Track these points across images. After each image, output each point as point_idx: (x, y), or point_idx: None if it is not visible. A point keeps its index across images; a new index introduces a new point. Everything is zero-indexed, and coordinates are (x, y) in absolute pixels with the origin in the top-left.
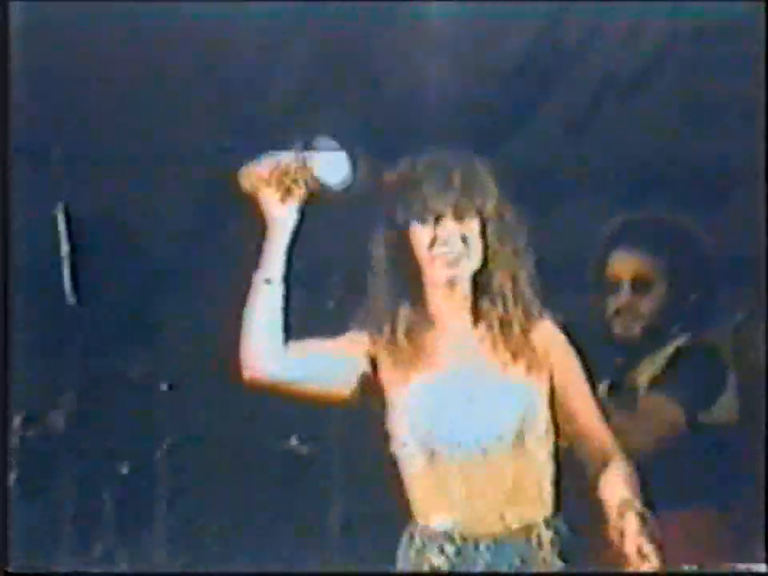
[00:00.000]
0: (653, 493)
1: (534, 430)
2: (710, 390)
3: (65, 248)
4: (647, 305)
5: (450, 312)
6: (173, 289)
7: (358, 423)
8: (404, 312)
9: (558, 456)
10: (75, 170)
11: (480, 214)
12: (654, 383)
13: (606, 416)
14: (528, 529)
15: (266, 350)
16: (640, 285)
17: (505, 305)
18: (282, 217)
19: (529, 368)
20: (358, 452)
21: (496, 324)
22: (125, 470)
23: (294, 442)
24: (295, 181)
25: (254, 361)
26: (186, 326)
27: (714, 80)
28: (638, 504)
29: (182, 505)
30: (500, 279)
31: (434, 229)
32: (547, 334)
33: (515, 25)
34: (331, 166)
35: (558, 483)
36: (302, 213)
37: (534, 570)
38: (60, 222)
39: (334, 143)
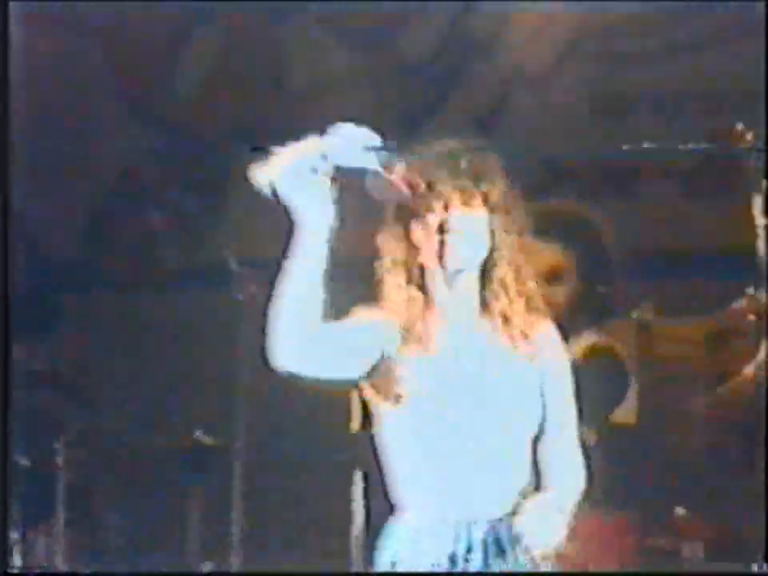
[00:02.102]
0: None
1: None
2: (615, 394)
3: None
4: (558, 296)
5: (455, 301)
6: None
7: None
8: (416, 297)
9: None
10: None
11: (487, 202)
12: None
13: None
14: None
15: (302, 340)
16: (552, 276)
17: (508, 297)
18: (315, 211)
19: (528, 359)
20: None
21: (498, 315)
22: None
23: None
24: (314, 169)
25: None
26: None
27: (623, 73)
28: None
29: (82, 503)
30: (502, 270)
31: (443, 214)
32: (545, 332)
33: (425, 17)
34: (351, 150)
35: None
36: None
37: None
38: None
39: (354, 128)
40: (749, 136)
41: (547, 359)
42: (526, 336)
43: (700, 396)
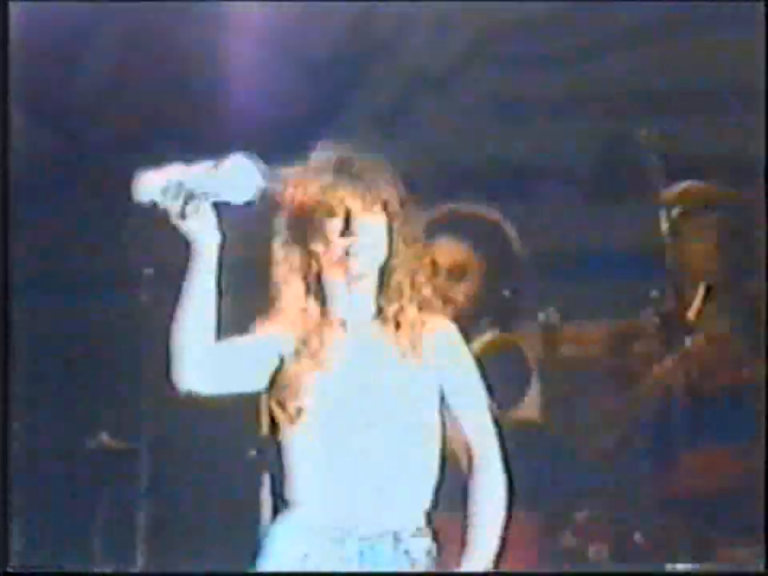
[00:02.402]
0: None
1: (425, 420)
2: (517, 387)
3: None
4: (461, 292)
5: (352, 310)
6: None
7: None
8: (313, 308)
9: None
10: None
11: (386, 208)
12: None
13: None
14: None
15: (199, 360)
16: (457, 273)
17: (402, 303)
18: (200, 232)
19: (424, 365)
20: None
21: (393, 322)
22: None
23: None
24: (191, 196)
25: (188, 372)
26: None
27: (529, 76)
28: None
29: None
30: (399, 276)
31: (343, 221)
32: (444, 335)
33: (326, 17)
34: (237, 182)
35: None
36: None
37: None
38: None
39: (243, 159)
40: (652, 139)
41: (447, 363)
42: (420, 341)
43: (605, 397)
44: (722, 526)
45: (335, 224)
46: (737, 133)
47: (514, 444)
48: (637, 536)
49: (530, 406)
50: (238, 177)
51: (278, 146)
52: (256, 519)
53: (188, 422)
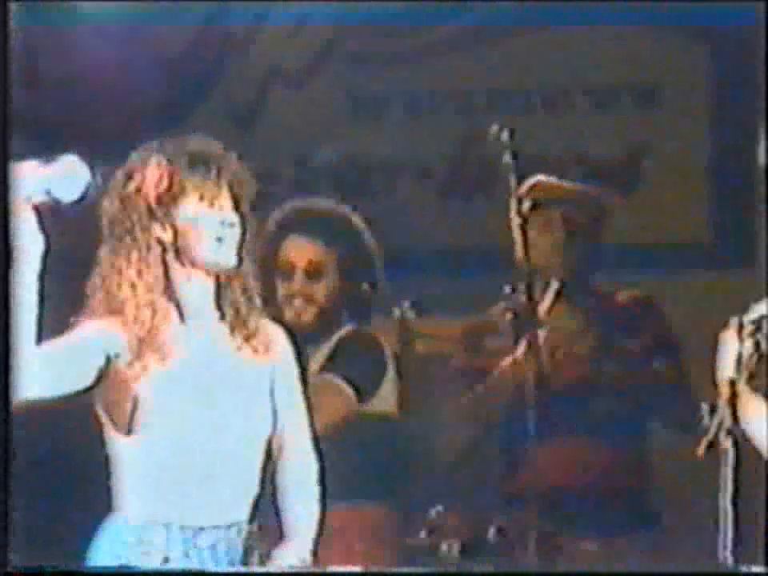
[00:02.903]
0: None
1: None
2: (372, 379)
3: None
4: (320, 292)
5: (197, 306)
6: None
7: None
8: (161, 302)
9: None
10: None
11: (239, 204)
12: (323, 370)
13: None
14: None
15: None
16: (313, 272)
17: (236, 297)
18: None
19: (260, 362)
20: None
21: (231, 315)
22: None
23: None
24: (28, 198)
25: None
26: None
27: (383, 73)
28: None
29: None
30: (244, 274)
31: (212, 211)
32: (271, 330)
33: (181, 13)
34: (65, 180)
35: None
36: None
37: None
38: None
39: (71, 158)
40: (503, 136)
41: (277, 362)
42: (256, 338)
43: (458, 393)
44: (570, 520)
45: (206, 216)
46: (585, 130)
47: (370, 437)
48: (490, 532)
49: (386, 400)
50: (68, 174)
51: (131, 142)
52: None
53: (46, 418)
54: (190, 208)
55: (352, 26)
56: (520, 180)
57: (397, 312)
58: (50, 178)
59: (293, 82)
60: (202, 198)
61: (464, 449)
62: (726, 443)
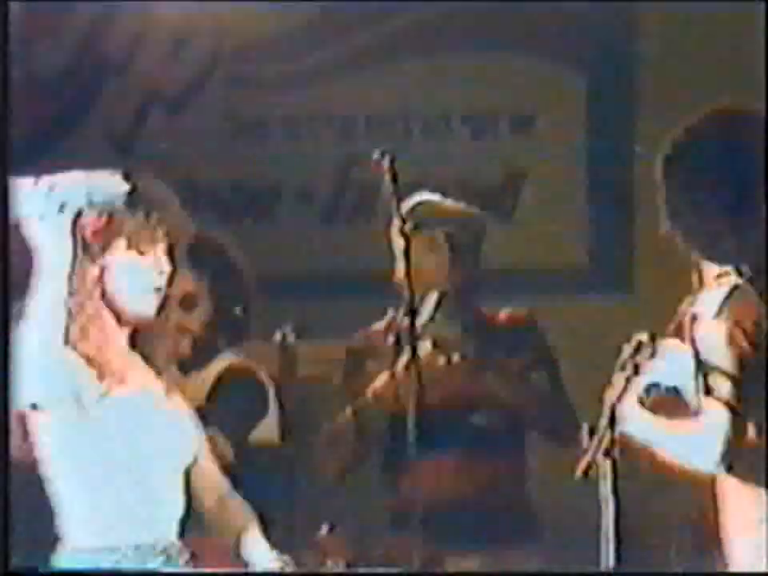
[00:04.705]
0: None
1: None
2: (253, 416)
3: None
4: (195, 322)
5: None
6: None
7: None
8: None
9: None
10: None
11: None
12: (203, 410)
13: None
14: None
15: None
16: (188, 302)
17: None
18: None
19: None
20: None
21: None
22: None
23: None
24: (63, 205)
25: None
26: None
27: (259, 97)
28: None
29: None
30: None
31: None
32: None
33: (56, 31)
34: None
35: None
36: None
37: None
38: None
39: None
40: (385, 162)
41: None
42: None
43: (338, 414)
44: (453, 536)
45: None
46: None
47: (254, 468)
48: (373, 550)
49: (268, 429)
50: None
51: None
52: None
53: None
54: (119, 252)
55: (234, 46)
56: (402, 200)
57: (278, 336)
58: (91, 187)
59: (172, 104)
60: (131, 244)
61: (346, 468)
62: (605, 464)
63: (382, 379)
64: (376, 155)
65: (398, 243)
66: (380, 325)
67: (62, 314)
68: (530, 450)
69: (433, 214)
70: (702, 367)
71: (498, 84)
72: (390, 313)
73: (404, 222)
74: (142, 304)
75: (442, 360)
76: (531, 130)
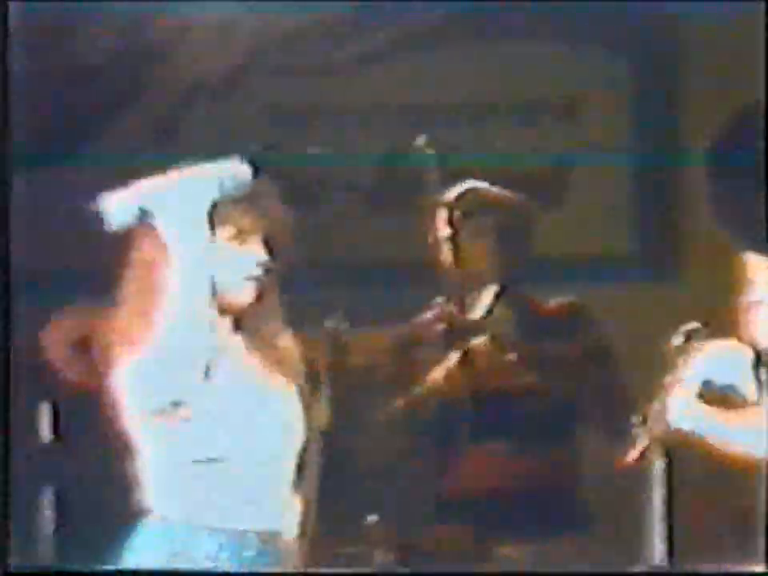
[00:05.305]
0: None
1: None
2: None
3: None
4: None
5: None
6: None
7: None
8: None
9: None
10: None
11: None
12: None
13: None
14: None
15: None
16: None
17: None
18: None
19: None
20: None
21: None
22: None
23: None
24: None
25: None
26: None
27: (307, 85)
28: None
29: None
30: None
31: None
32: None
33: (101, 21)
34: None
35: None
36: None
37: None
38: None
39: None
40: (429, 149)
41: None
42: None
43: (389, 403)
44: (500, 526)
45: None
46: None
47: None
48: (422, 539)
49: (319, 417)
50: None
51: (51, 155)
52: None
53: None
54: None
55: (276, 37)
56: (448, 188)
57: (329, 323)
58: (223, 178)
59: (216, 93)
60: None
61: (396, 457)
62: (655, 454)
63: (437, 371)
64: (423, 143)
65: (446, 232)
66: (429, 314)
67: (207, 308)
68: (581, 439)
69: (480, 202)
70: (764, 357)
71: (545, 71)
72: (438, 302)
73: (451, 210)
74: (240, 292)
75: (497, 356)
76: (577, 118)
